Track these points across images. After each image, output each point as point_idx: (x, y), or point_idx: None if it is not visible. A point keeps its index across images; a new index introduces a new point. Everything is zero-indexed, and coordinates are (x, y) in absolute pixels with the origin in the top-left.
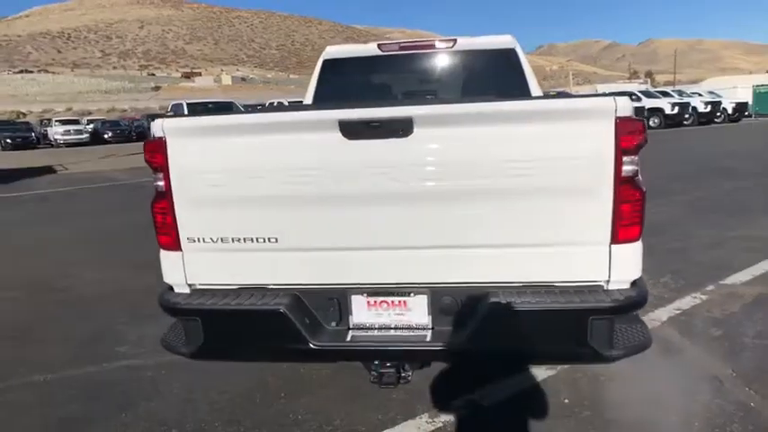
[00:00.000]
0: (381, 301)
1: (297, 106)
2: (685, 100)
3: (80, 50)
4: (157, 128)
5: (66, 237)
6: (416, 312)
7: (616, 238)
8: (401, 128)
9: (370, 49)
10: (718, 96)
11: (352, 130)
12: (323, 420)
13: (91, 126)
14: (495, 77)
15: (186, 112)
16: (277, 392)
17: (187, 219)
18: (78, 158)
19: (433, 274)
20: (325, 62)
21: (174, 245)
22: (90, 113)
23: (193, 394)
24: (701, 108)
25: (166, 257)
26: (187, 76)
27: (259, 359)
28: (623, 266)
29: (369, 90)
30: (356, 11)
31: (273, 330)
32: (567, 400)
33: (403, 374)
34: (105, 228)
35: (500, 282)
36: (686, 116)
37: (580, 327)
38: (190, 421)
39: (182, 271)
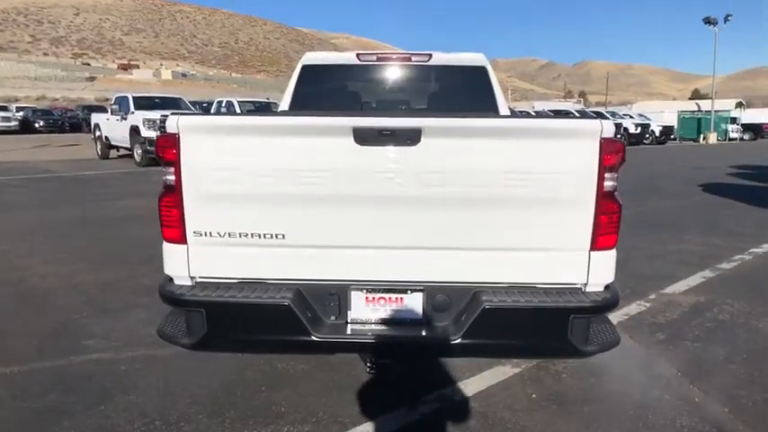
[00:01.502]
0: (379, 298)
1: (308, 112)
2: (645, 121)
3: (7, 33)
4: (172, 124)
5: (7, 229)
6: (412, 309)
7: (595, 246)
8: (410, 137)
9: (349, 57)
10: (648, 119)
11: (364, 137)
12: (306, 412)
13: (20, 114)
14: (466, 93)
15: (132, 105)
16: (257, 386)
17: (195, 213)
18: (7, 147)
19: (430, 273)
20: (305, 68)
21: (180, 238)
22: (17, 100)
23: (172, 388)
24: (632, 129)
25: (170, 250)
26: (124, 68)
27: (260, 351)
28: (600, 271)
29: (345, 97)
30: (302, 13)
31: (278, 323)
32: (534, 395)
33: (395, 366)
34: (51, 221)
35: (489, 282)
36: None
37: (562, 324)
38: (172, 413)
39: (185, 264)
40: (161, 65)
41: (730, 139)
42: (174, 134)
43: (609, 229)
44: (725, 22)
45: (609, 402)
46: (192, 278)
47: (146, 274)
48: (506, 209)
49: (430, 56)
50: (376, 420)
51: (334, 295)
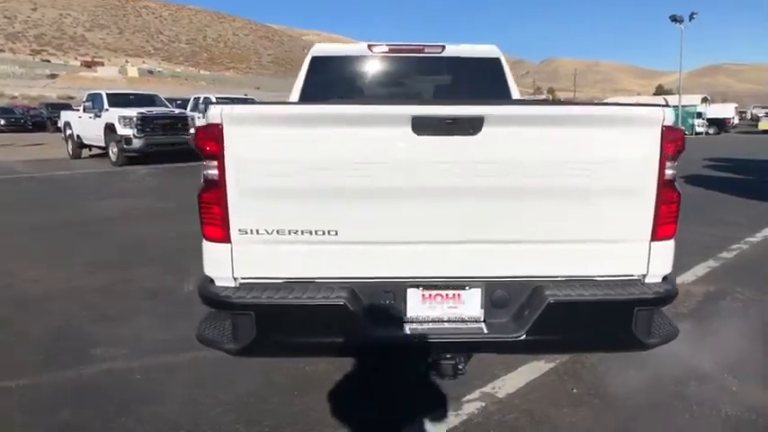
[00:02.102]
0: (436, 294)
1: (362, 100)
2: None
3: None
4: (214, 114)
5: None
6: (469, 305)
7: (655, 236)
8: (471, 126)
9: (360, 49)
10: None
11: (423, 126)
12: (345, 416)
13: None
14: (480, 84)
15: (106, 103)
16: (288, 391)
17: (240, 210)
18: None
19: (487, 268)
20: (314, 59)
21: (224, 237)
22: None
23: (196, 396)
24: None
25: (212, 250)
26: (88, 65)
27: (311, 354)
28: (660, 262)
29: (357, 90)
30: (270, 10)
31: (333, 324)
32: (575, 390)
33: (459, 366)
34: (31, 224)
35: (548, 276)
36: None
37: (626, 317)
38: (204, 423)
39: (229, 264)
40: (126, 62)
41: (696, 134)
42: (217, 125)
43: (669, 219)
44: (690, 19)
45: (651, 395)
46: (235, 279)
47: (145, 277)
48: (565, 199)
49: (443, 47)
50: (424, 423)
51: (390, 293)
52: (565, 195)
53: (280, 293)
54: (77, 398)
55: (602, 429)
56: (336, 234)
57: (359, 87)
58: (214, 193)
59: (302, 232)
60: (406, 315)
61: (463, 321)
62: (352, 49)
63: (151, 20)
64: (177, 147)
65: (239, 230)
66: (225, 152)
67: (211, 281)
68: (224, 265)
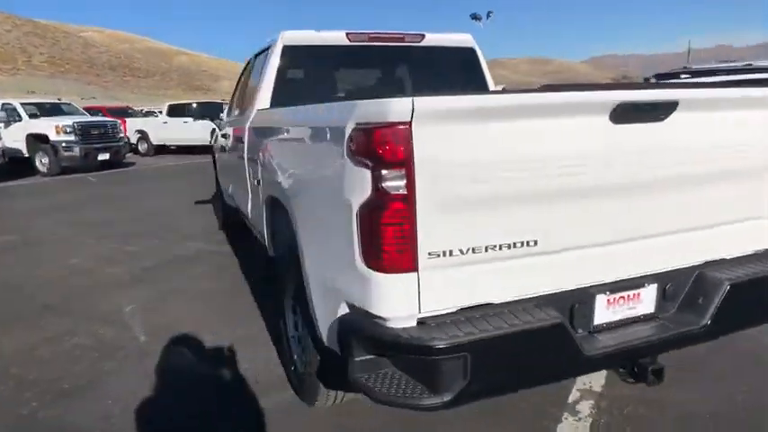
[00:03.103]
0: (619, 298)
1: (562, 86)
2: None
3: None
4: (399, 110)
5: None
6: (646, 303)
7: None
8: (664, 111)
9: (337, 37)
10: None
11: (621, 114)
12: None
13: None
14: (458, 73)
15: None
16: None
17: (430, 228)
18: None
19: (663, 262)
20: (286, 48)
21: (410, 264)
22: None
23: None
24: None
25: (391, 282)
26: None
27: (528, 385)
28: None
29: (336, 81)
30: (36, 3)
31: (548, 347)
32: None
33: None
34: None
35: (713, 259)
36: None
37: None
38: None
39: (415, 297)
40: None
41: None
42: (404, 123)
43: None
44: (487, 18)
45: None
46: (419, 316)
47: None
48: (747, 180)
49: (423, 36)
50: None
51: (581, 302)
52: (736, 177)
53: (492, 323)
54: None
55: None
56: (536, 244)
57: (339, 79)
58: (399, 210)
59: (500, 247)
60: (593, 324)
61: (644, 321)
62: (328, 37)
63: None
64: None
65: (428, 254)
66: (414, 157)
67: (376, 320)
68: (408, 299)
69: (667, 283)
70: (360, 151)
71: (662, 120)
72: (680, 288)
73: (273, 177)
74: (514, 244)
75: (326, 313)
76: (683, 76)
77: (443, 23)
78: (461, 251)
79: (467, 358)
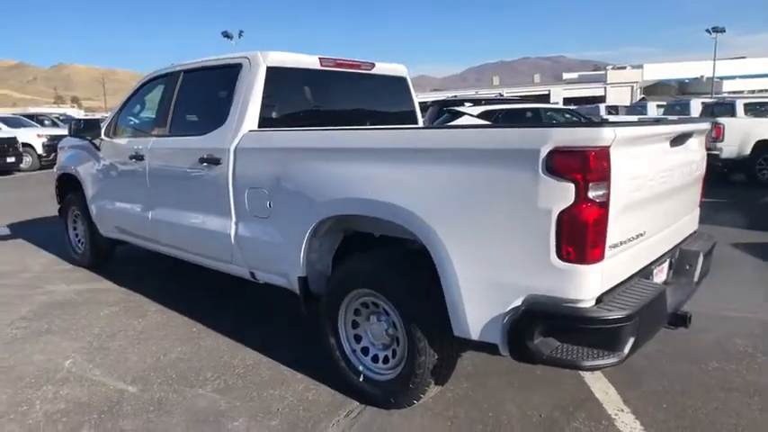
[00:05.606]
0: (659, 270)
1: (671, 120)
2: None
3: None
4: (606, 137)
5: None
6: (665, 273)
7: None
8: (687, 138)
9: (311, 61)
10: None
11: (675, 140)
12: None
13: None
14: (396, 101)
15: None
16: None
17: (612, 227)
18: None
19: (671, 242)
20: (270, 70)
21: (601, 256)
22: None
23: None
24: None
25: (588, 271)
26: None
27: (651, 336)
28: None
29: (308, 105)
30: None
31: (662, 306)
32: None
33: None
34: None
35: (683, 239)
36: None
37: None
38: None
39: (599, 281)
40: None
41: None
42: (607, 147)
43: None
44: (240, 36)
45: None
46: (597, 294)
47: None
48: (696, 181)
49: (373, 65)
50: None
51: (648, 275)
52: (698, 179)
53: (645, 293)
54: None
55: None
56: (644, 234)
57: (311, 102)
58: (600, 214)
59: (635, 236)
60: None
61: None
62: (305, 61)
63: None
64: None
65: (609, 247)
66: (611, 172)
67: (563, 306)
68: (596, 283)
69: (672, 257)
70: (564, 168)
71: (683, 144)
72: (674, 260)
73: (359, 196)
74: (639, 234)
75: (487, 309)
76: (466, 103)
77: (199, 42)
78: (621, 242)
79: (638, 321)
